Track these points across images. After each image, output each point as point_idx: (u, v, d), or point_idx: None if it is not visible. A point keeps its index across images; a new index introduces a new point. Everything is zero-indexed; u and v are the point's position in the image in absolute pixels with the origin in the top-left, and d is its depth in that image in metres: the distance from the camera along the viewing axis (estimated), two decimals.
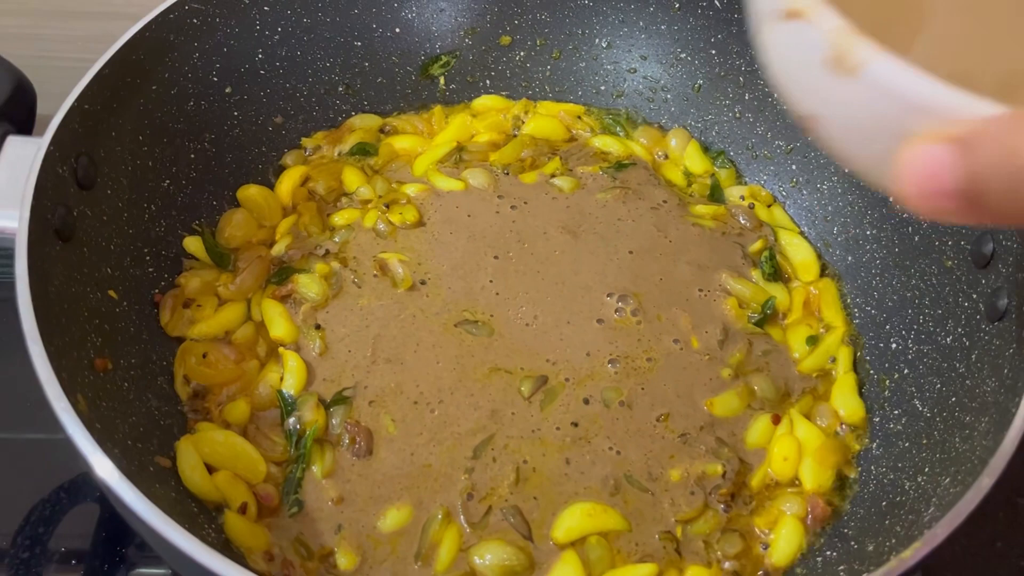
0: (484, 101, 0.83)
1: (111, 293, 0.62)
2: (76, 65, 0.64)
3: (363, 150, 0.78)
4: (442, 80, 0.83)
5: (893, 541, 0.54)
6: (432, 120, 0.82)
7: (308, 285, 0.69)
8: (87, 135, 0.62)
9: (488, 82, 0.83)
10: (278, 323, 0.67)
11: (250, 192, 0.74)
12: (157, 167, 0.69)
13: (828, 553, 0.59)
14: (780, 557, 0.60)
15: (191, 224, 0.71)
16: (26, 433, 0.70)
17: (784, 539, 0.61)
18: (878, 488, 0.62)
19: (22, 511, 0.66)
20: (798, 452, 0.64)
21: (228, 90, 0.74)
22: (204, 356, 0.65)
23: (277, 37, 0.76)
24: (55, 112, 0.60)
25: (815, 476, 0.63)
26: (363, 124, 0.80)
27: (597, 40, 0.83)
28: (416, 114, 0.82)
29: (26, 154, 0.58)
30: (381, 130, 0.81)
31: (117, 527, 0.66)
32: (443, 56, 0.83)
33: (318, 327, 0.67)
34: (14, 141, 0.60)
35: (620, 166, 0.79)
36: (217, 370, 0.65)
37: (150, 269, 0.67)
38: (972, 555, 0.54)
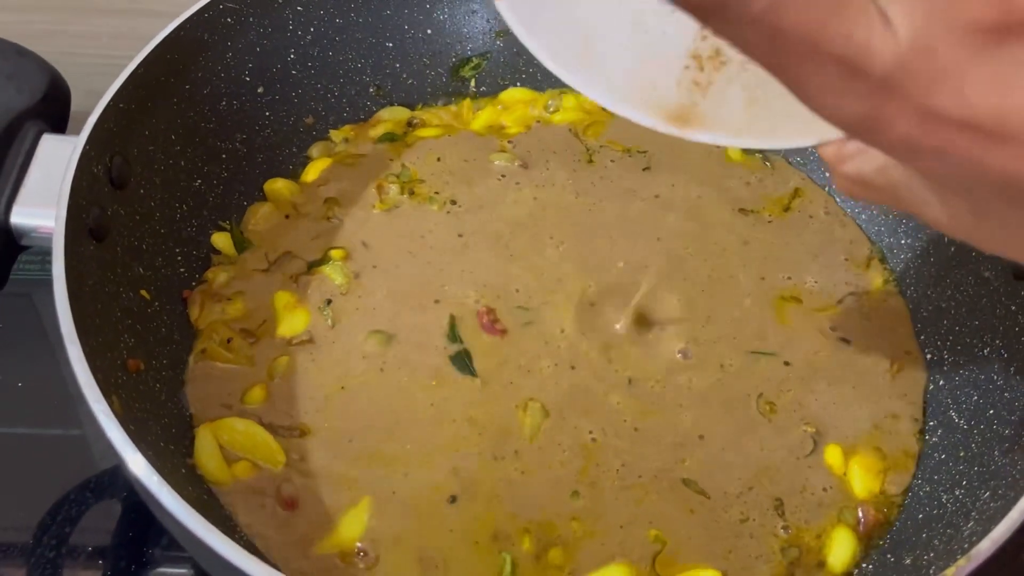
0: (512, 94, 0.83)
1: (143, 293, 0.62)
2: (102, 62, 0.64)
3: (391, 138, 0.78)
4: (472, 82, 0.83)
5: (932, 555, 0.54)
6: (461, 113, 0.82)
7: (332, 275, 0.69)
8: (121, 134, 0.62)
9: (519, 84, 0.83)
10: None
11: (276, 186, 0.74)
12: (189, 167, 0.69)
13: (864, 566, 0.59)
14: (835, 563, 0.59)
15: (220, 223, 0.71)
16: (48, 429, 0.70)
17: (837, 546, 0.59)
18: (914, 501, 0.61)
19: (44, 508, 0.66)
20: (843, 458, 0.63)
21: (260, 90, 0.74)
22: (228, 341, 0.65)
23: (309, 37, 0.76)
24: (84, 110, 0.60)
25: (864, 483, 0.62)
26: (391, 116, 0.80)
27: None
28: (444, 107, 0.82)
29: (61, 153, 0.58)
30: (409, 123, 0.80)
31: (139, 525, 0.66)
32: (474, 58, 0.82)
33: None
34: (49, 140, 0.60)
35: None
36: (238, 355, 0.65)
37: (181, 269, 0.67)
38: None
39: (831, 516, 0.61)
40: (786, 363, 0.67)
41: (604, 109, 0.40)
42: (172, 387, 0.62)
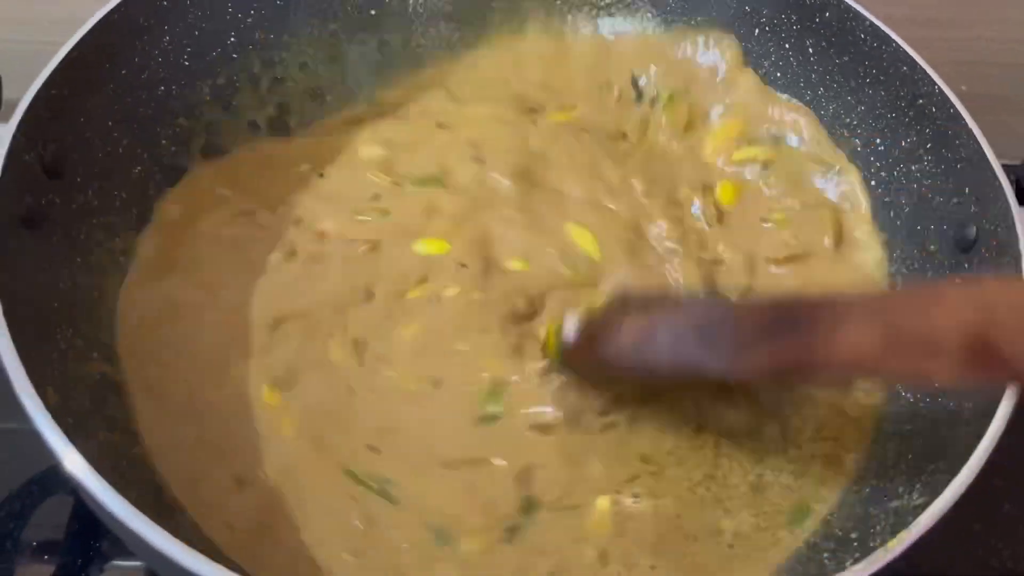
0: None
1: (82, 282, 0.61)
2: (40, 48, 0.63)
3: None
4: None
5: (878, 528, 0.54)
6: None
7: None
8: (55, 121, 0.61)
9: None
10: None
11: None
12: (128, 154, 0.67)
13: (812, 542, 0.59)
14: None
15: None
16: None
17: None
18: (860, 476, 0.61)
19: None
20: None
21: (200, 74, 0.73)
22: None
23: (249, 20, 0.75)
24: (19, 96, 0.59)
25: None
26: None
27: None
28: None
29: None
30: None
31: (90, 520, 0.65)
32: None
33: None
34: None
35: None
36: None
37: (121, 257, 0.66)
38: (955, 545, 0.54)
39: None
40: None
41: None
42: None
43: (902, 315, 0.47)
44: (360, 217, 0.71)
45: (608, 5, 0.82)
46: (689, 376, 0.58)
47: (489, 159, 0.74)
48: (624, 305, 0.61)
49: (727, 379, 0.60)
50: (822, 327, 0.49)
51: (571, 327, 0.61)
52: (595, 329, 0.60)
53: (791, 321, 0.51)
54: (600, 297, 0.65)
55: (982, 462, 0.50)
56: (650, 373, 0.58)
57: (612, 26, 0.82)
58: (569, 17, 0.82)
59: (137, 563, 0.64)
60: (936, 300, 0.47)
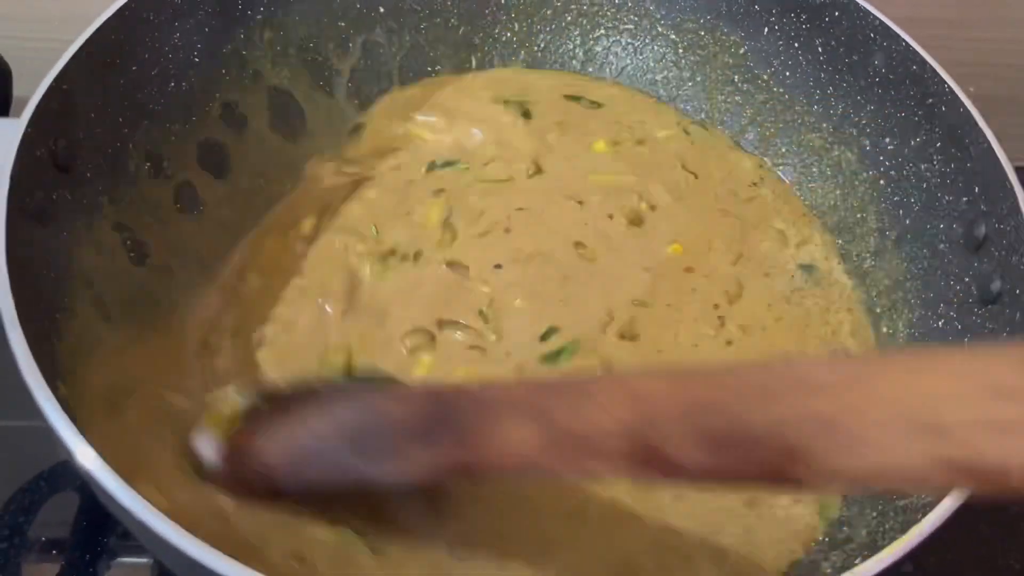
0: None
1: (92, 278, 0.61)
2: (51, 45, 0.63)
3: None
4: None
5: (886, 527, 0.54)
6: None
7: None
8: (65, 117, 0.61)
9: None
10: None
11: None
12: (137, 150, 0.67)
13: (821, 539, 0.59)
14: None
15: None
16: (2, 420, 0.69)
17: None
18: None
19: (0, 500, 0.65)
20: None
21: (210, 71, 0.73)
22: None
23: (259, 16, 0.75)
24: (30, 93, 0.59)
25: None
26: None
27: None
28: None
29: (3, 137, 0.56)
30: None
31: (98, 516, 0.65)
32: None
33: None
34: None
35: None
36: None
37: (131, 254, 0.66)
38: (962, 545, 0.54)
39: None
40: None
41: None
42: None
43: (560, 410, 0.44)
44: None
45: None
46: (361, 487, 0.52)
47: None
48: (265, 410, 0.55)
49: (402, 487, 0.55)
50: (479, 424, 0.46)
51: (207, 447, 0.54)
52: (240, 445, 0.54)
53: (446, 419, 0.47)
54: (229, 402, 0.57)
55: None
56: (317, 489, 0.53)
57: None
58: None
59: (144, 559, 0.64)
60: (592, 396, 0.43)
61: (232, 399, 0.56)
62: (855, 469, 0.36)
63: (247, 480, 0.53)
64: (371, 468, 0.49)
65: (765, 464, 0.38)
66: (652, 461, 0.40)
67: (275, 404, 0.55)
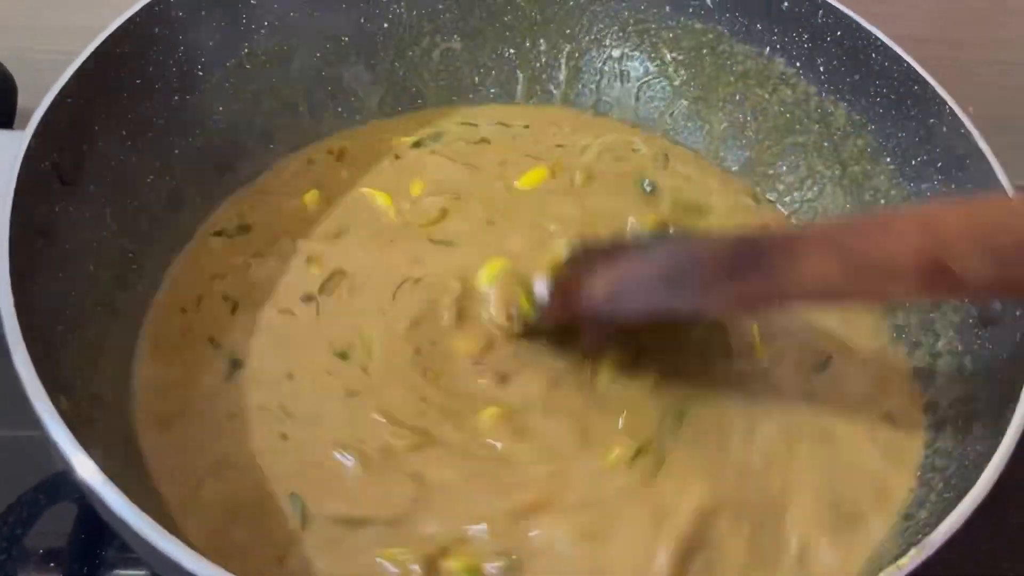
0: None
1: (95, 291, 0.61)
2: (56, 57, 0.63)
3: None
4: None
5: (888, 545, 0.54)
6: None
7: None
8: (70, 130, 0.61)
9: None
10: None
11: None
12: (141, 163, 0.68)
13: None
14: None
15: None
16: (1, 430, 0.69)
17: None
18: None
19: None
20: None
21: (214, 84, 0.73)
22: None
23: (264, 31, 0.75)
24: (35, 105, 0.59)
25: None
26: None
27: None
28: None
29: (7, 150, 0.57)
30: None
31: (94, 528, 0.65)
32: None
33: None
34: None
35: None
36: None
37: (134, 266, 0.66)
38: (965, 563, 0.54)
39: None
40: None
41: None
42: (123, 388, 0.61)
43: (858, 243, 0.50)
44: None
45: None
46: (664, 318, 0.59)
47: None
48: (588, 257, 0.62)
49: (700, 317, 0.63)
50: (783, 261, 0.51)
51: (543, 289, 0.63)
52: (566, 286, 0.62)
53: (754, 257, 0.53)
54: (559, 251, 0.67)
55: (993, 480, 0.50)
56: (626, 321, 0.60)
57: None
58: None
59: (142, 572, 0.64)
60: (888, 227, 0.49)
61: (562, 247, 0.67)
62: None
63: (572, 310, 0.61)
64: (682, 300, 0.56)
65: None
66: (943, 279, 0.46)
67: (596, 253, 0.62)
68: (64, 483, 0.67)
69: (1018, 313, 0.58)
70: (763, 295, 0.53)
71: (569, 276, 0.62)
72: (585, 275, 0.60)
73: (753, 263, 0.52)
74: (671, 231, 0.71)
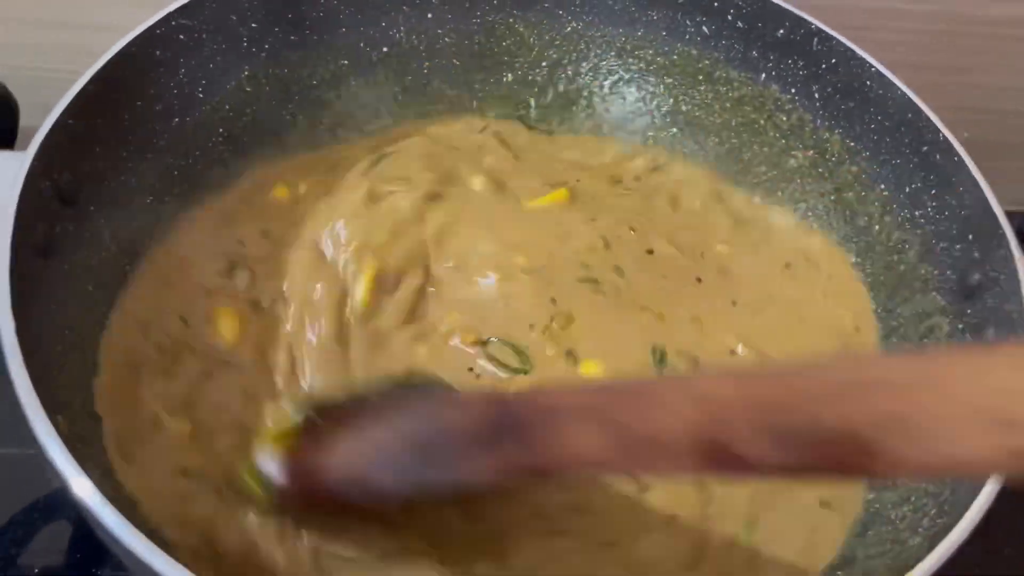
0: None
1: (94, 311, 0.62)
2: (57, 76, 0.63)
3: None
4: None
5: (880, 570, 0.54)
6: None
7: None
8: (71, 151, 0.61)
9: None
10: None
11: None
12: (140, 184, 0.68)
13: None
14: None
15: None
16: None
17: None
18: (863, 514, 0.62)
19: None
20: None
21: (214, 107, 0.74)
22: None
23: (264, 54, 0.76)
24: (35, 124, 0.59)
25: None
26: None
27: None
28: None
29: (9, 169, 0.57)
30: None
31: (92, 547, 0.65)
32: None
33: None
34: None
35: None
36: None
37: (132, 287, 0.66)
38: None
39: None
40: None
41: None
42: None
43: (625, 416, 0.45)
44: None
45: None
46: (427, 494, 0.54)
47: None
48: (323, 422, 0.56)
49: (465, 490, 0.55)
50: (543, 432, 0.47)
51: (270, 465, 0.55)
52: (302, 460, 0.55)
53: (509, 427, 0.48)
54: (284, 417, 0.58)
55: (987, 506, 0.51)
56: (383, 496, 0.54)
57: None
58: None
59: None
60: (659, 400, 0.45)
61: (288, 414, 0.57)
62: (926, 461, 0.38)
63: (312, 494, 0.54)
64: (438, 475, 0.51)
65: (837, 458, 0.39)
66: (722, 459, 0.41)
67: (331, 416, 0.55)
68: (60, 501, 0.67)
69: (1011, 335, 0.58)
70: (528, 467, 0.48)
71: (302, 448, 0.55)
72: (321, 446, 0.54)
73: (513, 432, 0.48)
74: (416, 383, 0.63)
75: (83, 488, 0.47)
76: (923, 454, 0.37)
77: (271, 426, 0.59)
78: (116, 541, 0.46)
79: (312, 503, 0.55)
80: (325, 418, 0.55)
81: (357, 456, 0.53)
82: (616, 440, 0.45)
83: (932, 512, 0.55)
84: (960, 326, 0.63)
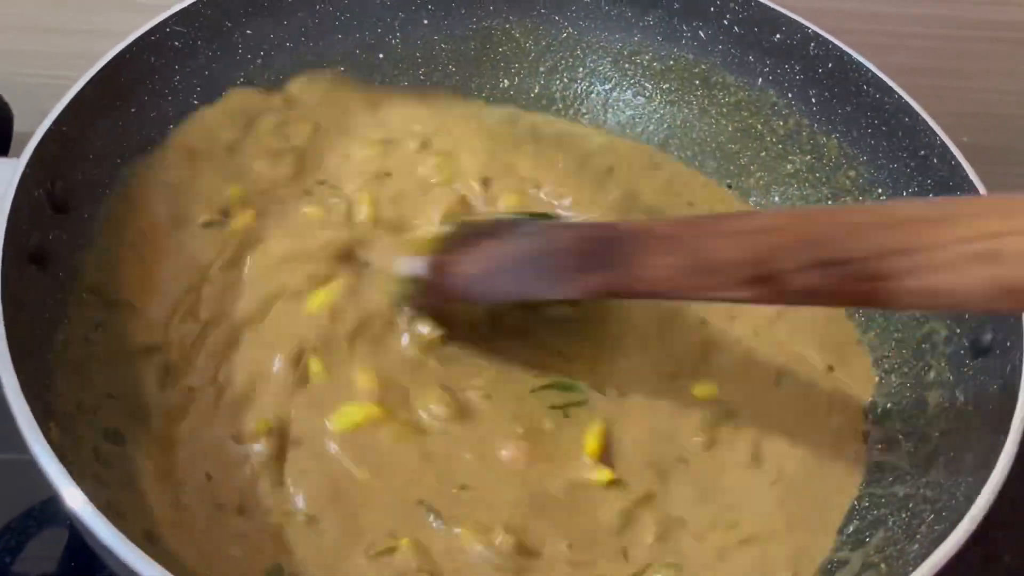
0: None
1: (87, 318, 0.61)
2: (53, 82, 0.63)
3: None
4: None
5: None
6: None
7: None
8: (64, 157, 0.61)
9: None
10: None
11: None
12: (134, 191, 0.67)
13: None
14: None
15: None
16: None
17: None
18: (862, 523, 0.61)
19: None
20: None
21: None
22: None
23: (259, 61, 0.76)
24: (30, 130, 0.59)
25: None
26: None
27: None
28: None
29: (2, 176, 0.57)
30: None
31: (86, 554, 0.64)
32: None
33: None
34: None
35: None
36: None
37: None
38: None
39: None
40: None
41: None
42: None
43: (701, 244, 0.53)
44: None
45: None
46: (530, 300, 0.64)
47: None
48: (461, 236, 0.66)
49: (560, 300, 0.66)
50: (628, 258, 0.55)
51: (418, 265, 0.65)
52: (442, 263, 0.65)
53: (602, 253, 0.56)
54: (427, 232, 0.70)
55: (984, 512, 0.50)
56: (497, 300, 0.64)
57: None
58: None
59: None
60: (724, 232, 0.52)
61: (436, 227, 0.70)
62: (929, 289, 0.45)
63: (445, 290, 0.64)
64: (541, 286, 0.60)
65: (861, 285, 0.47)
66: (770, 284, 0.49)
67: (469, 232, 0.66)
68: (54, 508, 0.66)
69: (1008, 344, 0.58)
70: (614, 286, 0.56)
71: (445, 254, 0.65)
72: (459, 254, 0.64)
73: (606, 255, 0.56)
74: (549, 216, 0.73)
75: (73, 497, 0.47)
76: (927, 283, 0.45)
77: (422, 233, 0.70)
78: (107, 550, 0.46)
79: (442, 296, 0.64)
80: (464, 233, 0.66)
81: (484, 263, 0.62)
82: (688, 266, 0.52)
83: (930, 518, 0.55)
84: (958, 330, 0.63)
